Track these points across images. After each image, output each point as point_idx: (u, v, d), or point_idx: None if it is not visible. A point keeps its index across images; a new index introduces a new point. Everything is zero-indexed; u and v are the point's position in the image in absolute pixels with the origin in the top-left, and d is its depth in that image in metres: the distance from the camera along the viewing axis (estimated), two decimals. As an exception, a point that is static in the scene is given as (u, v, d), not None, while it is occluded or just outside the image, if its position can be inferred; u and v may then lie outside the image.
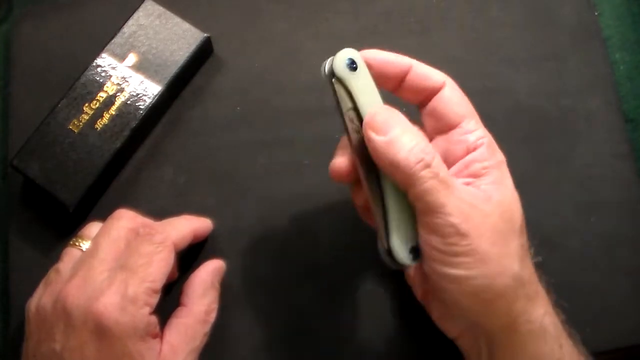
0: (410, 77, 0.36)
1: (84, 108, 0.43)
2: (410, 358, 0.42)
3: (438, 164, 0.33)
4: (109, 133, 0.43)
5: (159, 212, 0.44)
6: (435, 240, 0.32)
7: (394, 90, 0.37)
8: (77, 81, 0.44)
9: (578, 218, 0.44)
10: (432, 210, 0.32)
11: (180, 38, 0.45)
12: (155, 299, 0.34)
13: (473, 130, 0.35)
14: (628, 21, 0.50)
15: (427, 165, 0.32)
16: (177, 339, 0.35)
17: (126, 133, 0.43)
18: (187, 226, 0.40)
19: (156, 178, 0.45)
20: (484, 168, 0.34)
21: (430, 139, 0.37)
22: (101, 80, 0.44)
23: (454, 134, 0.36)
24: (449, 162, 0.35)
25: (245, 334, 0.42)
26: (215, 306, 0.38)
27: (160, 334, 0.35)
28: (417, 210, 0.33)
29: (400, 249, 0.34)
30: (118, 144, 0.43)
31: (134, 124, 0.43)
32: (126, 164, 0.45)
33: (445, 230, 0.32)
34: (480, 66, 0.48)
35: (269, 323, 0.42)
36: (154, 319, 0.34)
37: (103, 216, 0.44)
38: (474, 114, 0.36)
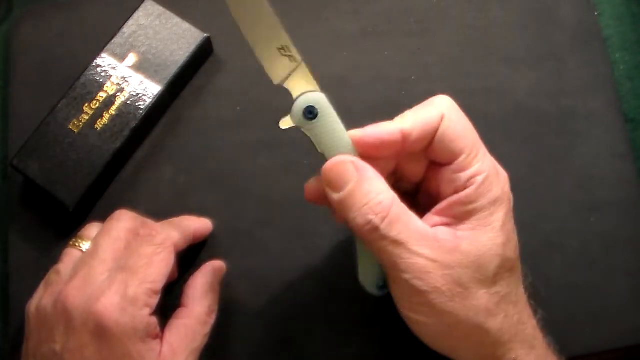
0: (410, 147, 0.34)
1: (84, 108, 0.43)
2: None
3: (391, 222, 0.32)
4: (109, 133, 0.43)
5: (159, 212, 0.44)
6: (394, 289, 0.34)
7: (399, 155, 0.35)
8: (77, 81, 0.44)
9: (578, 218, 0.44)
10: (387, 266, 0.33)
11: (180, 38, 0.45)
12: (155, 300, 0.34)
13: (467, 167, 0.33)
14: (628, 21, 0.50)
15: (375, 229, 0.32)
16: (178, 339, 0.35)
17: (126, 133, 0.43)
18: (187, 227, 0.40)
19: (156, 178, 0.45)
20: (467, 212, 0.33)
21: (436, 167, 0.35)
22: (101, 80, 0.44)
23: (447, 170, 0.34)
24: (440, 193, 0.34)
25: (244, 334, 0.42)
26: (215, 307, 0.38)
27: (160, 335, 0.35)
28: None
29: (366, 283, 0.36)
30: (118, 144, 0.43)
31: (134, 124, 0.43)
32: (126, 164, 0.45)
33: (401, 284, 0.33)
34: (480, 66, 0.48)
35: (268, 323, 0.42)
36: (154, 319, 0.34)
37: (103, 216, 0.44)
38: (474, 145, 0.34)
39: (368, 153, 0.34)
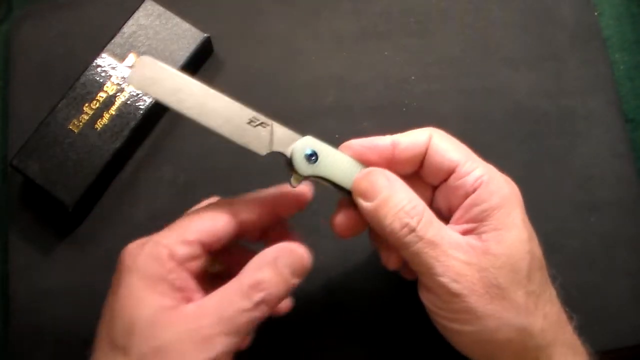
0: (399, 154, 0.35)
1: (84, 108, 0.43)
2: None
3: (425, 224, 0.32)
4: (109, 133, 0.43)
5: (159, 212, 0.44)
6: (431, 297, 0.33)
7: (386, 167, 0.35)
8: (77, 81, 0.44)
9: (578, 218, 0.44)
10: (422, 271, 0.33)
11: (180, 38, 0.45)
12: (182, 250, 0.31)
13: (470, 171, 0.34)
14: (628, 21, 0.50)
15: (412, 230, 0.32)
16: (209, 302, 0.31)
17: (126, 133, 0.43)
18: (258, 197, 0.36)
19: (156, 178, 0.45)
20: (484, 211, 0.33)
21: (435, 188, 0.36)
22: (101, 80, 0.44)
23: (452, 180, 0.34)
24: (452, 207, 0.35)
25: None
26: (268, 287, 0.31)
27: (189, 295, 0.32)
28: (413, 269, 0.33)
29: None
30: (118, 144, 0.43)
31: (133, 124, 0.43)
32: (126, 164, 0.45)
33: (437, 290, 0.32)
34: (480, 66, 0.48)
35: (268, 323, 0.42)
36: (179, 273, 0.31)
37: (103, 216, 0.44)
38: (469, 155, 0.35)
39: (363, 161, 0.35)
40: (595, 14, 0.49)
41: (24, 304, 0.42)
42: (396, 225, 0.32)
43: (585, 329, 0.42)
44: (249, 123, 0.33)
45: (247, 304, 0.31)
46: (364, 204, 0.33)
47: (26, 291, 0.42)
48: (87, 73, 0.44)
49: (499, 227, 0.33)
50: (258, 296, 0.31)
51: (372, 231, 0.36)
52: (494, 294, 0.31)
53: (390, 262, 0.35)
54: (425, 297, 0.34)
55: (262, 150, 0.33)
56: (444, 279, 0.31)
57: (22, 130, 0.44)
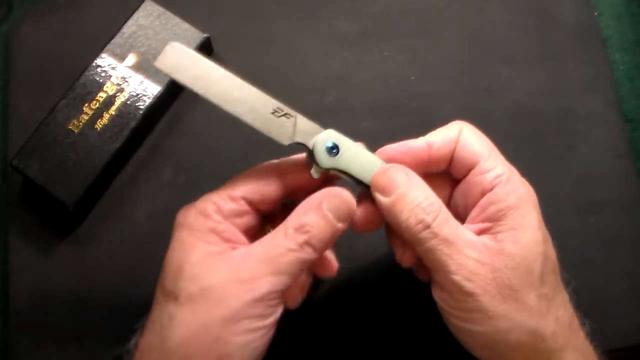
0: (434, 153, 0.35)
1: (84, 108, 0.43)
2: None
3: (441, 221, 0.32)
4: (109, 133, 0.43)
5: (159, 212, 0.44)
6: (444, 296, 0.33)
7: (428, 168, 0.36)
8: (77, 81, 0.44)
9: (578, 218, 0.44)
10: (436, 268, 0.32)
11: (180, 38, 0.45)
12: (228, 205, 0.33)
13: (490, 169, 0.34)
14: (627, 21, 0.50)
15: (427, 226, 0.32)
16: (256, 246, 0.32)
17: (126, 133, 0.43)
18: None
19: (156, 178, 0.45)
20: (500, 210, 0.33)
21: (454, 186, 0.36)
22: (101, 81, 0.44)
23: (471, 176, 0.35)
24: (469, 205, 0.35)
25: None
26: (312, 229, 0.32)
27: (235, 244, 0.33)
28: (427, 266, 0.33)
29: None
30: (118, 144, 0.43)
31: (133, 124, 0.43)
32: (126, 164, 0.45)
33: (450, 288, 0.32)
34: (480, 66, 0.48)
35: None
36: (224, 227, 0.33)
37: (103, 216, 0.44)
38: (492, 151, 0.35)
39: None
40: (595, 14, 0.49)
41: (24, 304, 0.42)
42: (412, 221, 0.32)
43: (585, 329, 0.42)
44: (273, 113, 0.34)
45: (291, 244, 0.32)
46: (381, 198, 0.33)
47: (26, 291, 0.42)
48: (87, 73, 0.44)
49: (515, 227, 0.33)
50: (302, 238, 0.32)
51: (388, 227, 0.36)
52: (506, 295, 0.31)
53: (405, 260, 0.35)
54: (438, 295, 0.34)
55: (285, 141, 0.34)
56: (457, 277, 0.31)
57: (22, 130, 0.44)
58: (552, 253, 0.34)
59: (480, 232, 0.33)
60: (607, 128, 0.46)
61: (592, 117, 0.46)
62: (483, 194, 0.34)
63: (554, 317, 0.32)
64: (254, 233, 0.35)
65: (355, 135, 0.48)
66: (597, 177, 0.45)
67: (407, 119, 0.46)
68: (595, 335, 0.41)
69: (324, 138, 0.34)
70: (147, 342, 0.32)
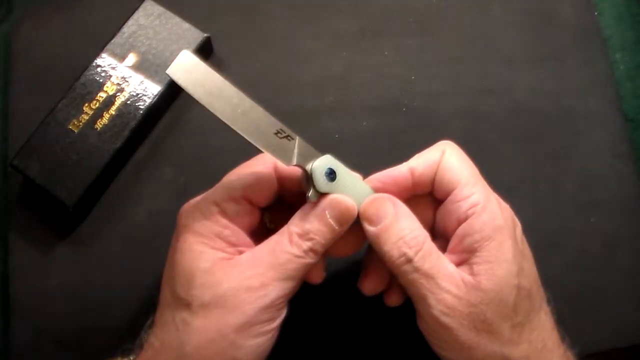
0: (417, 180, 0.36)
1: (84, 108, 0.43)
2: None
3: (423, 256, 0.33)
4: (109, 133, 0.43)
5: (159, 212, 0.44)
6: (424, 325, 0.34)
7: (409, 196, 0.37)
8: (77, 81, 0.44)
9: (578, 218, 0.45)
10: (416, 300, 0.34)
11: (180, 38, 0.45)
12: (231, 207, 0.34)
13: (466, 197, 0.34)
14: (628, 21, 0.50)
15: (409, 260, 0.33)
16: (261, 251, 0.34)
17: (126, 133, 0.43)
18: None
19: (156, 178, 0.45)
20: (476, 242, 0.33)
21: (440, 204, 0.37)
22: (101, 80, 0.44)
23: (448, 203, 0.35)
24: (447, 230, 0.35)
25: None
26: (317, 238, 0.34)
27: (240, 248, 0.34)
28: (408, 295, 0.35)
29: None
30: (118, 144, 0.43)
31: (133, 124, 0.43)
32: (126, 164, 0.45)
33: (429, 320, 0.33)
34: (480, 66, 0.48)
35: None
36: (228, 227, 0.34)
37: (103, 216, 0.44)
38: (471, 177, 0.35)
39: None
40: (596, 13, 0.49)
41: (24, 304, 0.42)
42: (394, 253, 0.33)
43: (585, 329, 0.42)
44: (275, 134, 0.34)
45: (297, 251, 0.33)
46: (368, 227, 0.34)
47: (26, 291, 0.42)
48: (87, 73, 0.44)
49: (490, 260, 0.33)
50: (307, 245, 0.33)
51: (367, 251, 0.37)
52: (480, 328, 0.32)
53: (366, 287, 0.37)
54: (420, 325, 0.35)
55: (287, 162, 0.34)
56: (435, 311, 0.33)
57: (22, 130, 0.44)
58: (526, 282, 0.34)
59: (460, 263, 0.34)
60: (607, 128, 0.46)
61: (592, 117, 0.47)
62: (459, 222, 0.34)
63: (526, 341, 0.33)
64: (255, 229, 0.36)
65: (355, 135, 0.48)
66: (597, 177, 0.45)
67: (407, 119, 0.46)
68: (596, 335, 0.41)
69: (323, 163, 0.34)
70: (160, 341, 0.33)
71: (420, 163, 0.36)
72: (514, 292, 0.33)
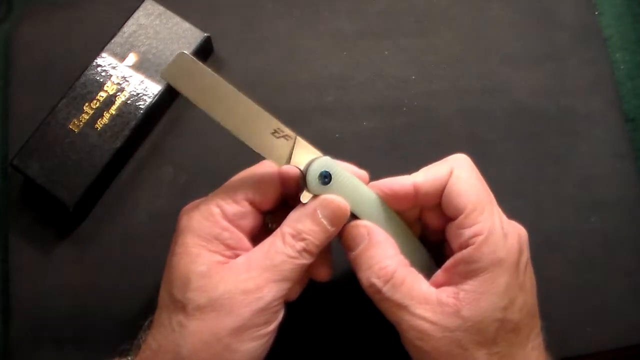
0: (421, 197, 0.35)
1: (84, 108, 0.43)
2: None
3: (393, 286, 0.33)
4: (109, 133, 0.43)
5: (159, 212, 0.44)
6: (403, 343, 0.34)
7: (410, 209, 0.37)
8: (77, 81, 0.44)
9: (578, 218, 0.44)
10: (392, 322, 0.34)
11: (180, 38, 0.45)
12: (232, 209, 0.34)
13: (471, 225, 0.33)
14: (628, 21, 0.50)
15: (378, 291, 0.33)
16: (256, 253, 0.34)
17: (126, 133, 0.43)
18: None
19: (156, 178, 0.45)
20: (471, 271, 0.33)
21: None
22: (101, 80, 0.44)
23: (452, 226, 0.35)
24: (453, 250, 0.35)
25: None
26: (310, 238, 0.34)
27: (238, 251, 0.34)
28: None
29: None
30: (118, 144, 0.43)
31: (134, 123, 0.43)
32: (126, 164, 0.45)
33: (405, 342, 0.34)
34: (480, 66, 0.48)
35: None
36: (228, 230, 0.34)
37: (104, 216, 0.44)
38: (479, 202, 0.34)
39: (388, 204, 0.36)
40: (596, 13, 0.49)
41: (24, 304, 0.42)
42: (364, 282, 0.34)
43: (585, 329, 0.42)
44: (272, 133, 0.34)
45: (290, 251, 0.33)
46: (347, 252, 0.35)
47: (26, 291, 0.42)
48: (87, 73, 0.44)
49: (480, 291, 0.32)
50: (300, 245, 0.33)
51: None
52: (455, 353, 0.32)
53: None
54: (402, 341, 0.35)
55: (281, 162, 0.34)
56: (409, 336, 0.33)
57: (22, 130, 0.44)
58: (515, 316, 0.33)
59: (448, 283, 0.34)
60: (607, 128, 0.46)
61: (592, 117, 0.46)
62: (460, 247, 0.34)
63: None
64: (257, 232, 0.36)
65: (355, 135, 0.48)
66: (597, 177, 0.45)
67: (407, 118, 0.46)
68: (596, 335, 0.41)
69: (318, 165, 0.34)
70: (157, 343, 0.33)
71: (426, 181, 0.35)
72: (496, 324, 0.32)
